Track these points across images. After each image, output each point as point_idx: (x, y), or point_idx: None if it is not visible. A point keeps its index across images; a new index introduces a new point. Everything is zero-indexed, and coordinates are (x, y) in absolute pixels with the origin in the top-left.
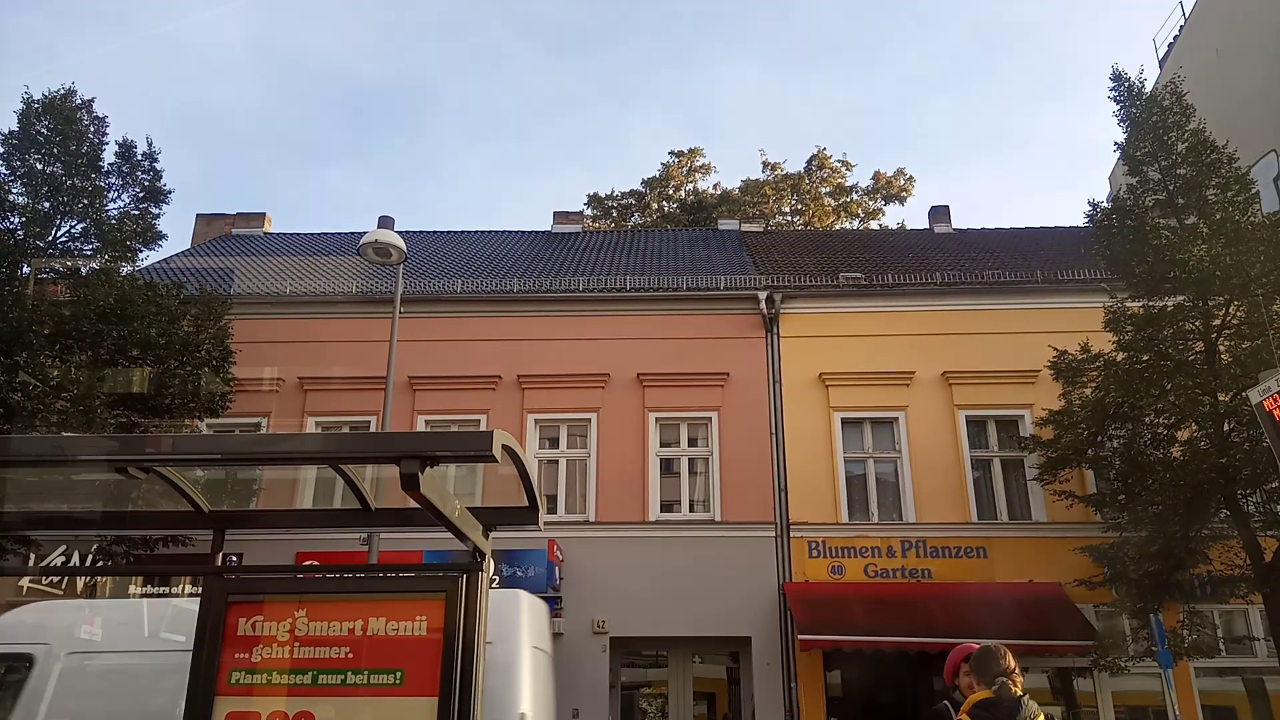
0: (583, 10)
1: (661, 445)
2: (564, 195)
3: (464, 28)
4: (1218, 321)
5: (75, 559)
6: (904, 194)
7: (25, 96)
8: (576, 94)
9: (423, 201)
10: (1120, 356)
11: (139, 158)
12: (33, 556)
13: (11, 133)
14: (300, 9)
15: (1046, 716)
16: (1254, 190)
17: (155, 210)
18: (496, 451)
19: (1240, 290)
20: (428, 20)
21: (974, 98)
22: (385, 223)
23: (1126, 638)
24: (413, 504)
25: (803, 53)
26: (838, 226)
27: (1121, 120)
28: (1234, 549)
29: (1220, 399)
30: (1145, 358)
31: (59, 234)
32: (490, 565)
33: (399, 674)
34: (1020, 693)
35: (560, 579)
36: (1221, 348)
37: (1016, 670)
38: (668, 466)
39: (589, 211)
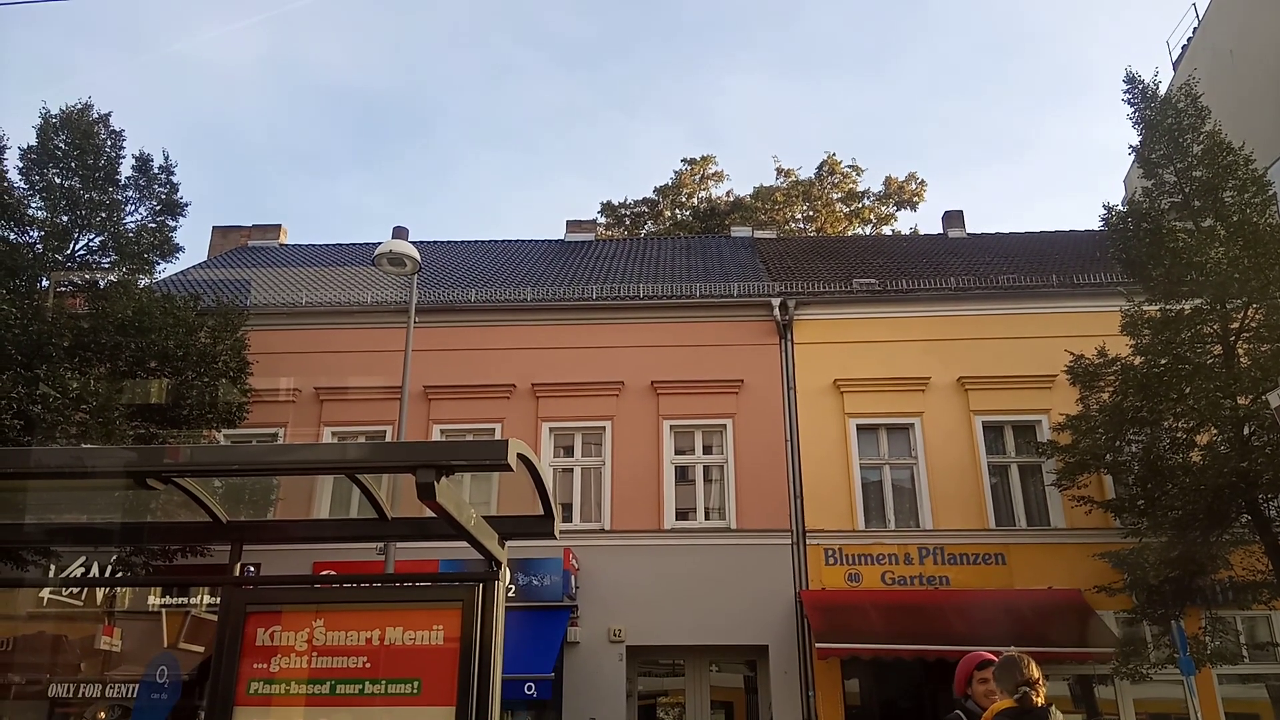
0: (588, 22)
1: (676, 453)
2: (573, 205)
3: (471, 41)
4: (1236, 324)
5: (95, 570)
6: (916, 199)
7: (43, 112)
8: (584, 105)
9: (433, 212)
10: (1138, 360)
11: (156, 171)
12: (53, 568)
13: (30, 147)
14: (310, 25)
15: None
16: (1271, 192)
17: (172, 223)
18: (511, 460)
19: (1259, 293)
20: (435, 34)
21: (985, 104)
22: (400, 233)
23: (1148, 644)
24: (429, 513)
25: (809, 62)
26: (850, 232)
27: (1136, 123)
28: (1255, 554)
29: (1240, 402)
30: (1163, 361)
31: (77, 247)
32: (506, 574)
33: (416, 683)
34: (1043, 703)
35: (576, 587)
36: (1240, 351)
37: (1040, 680)
38: (682, 474)
39: (602, 219)
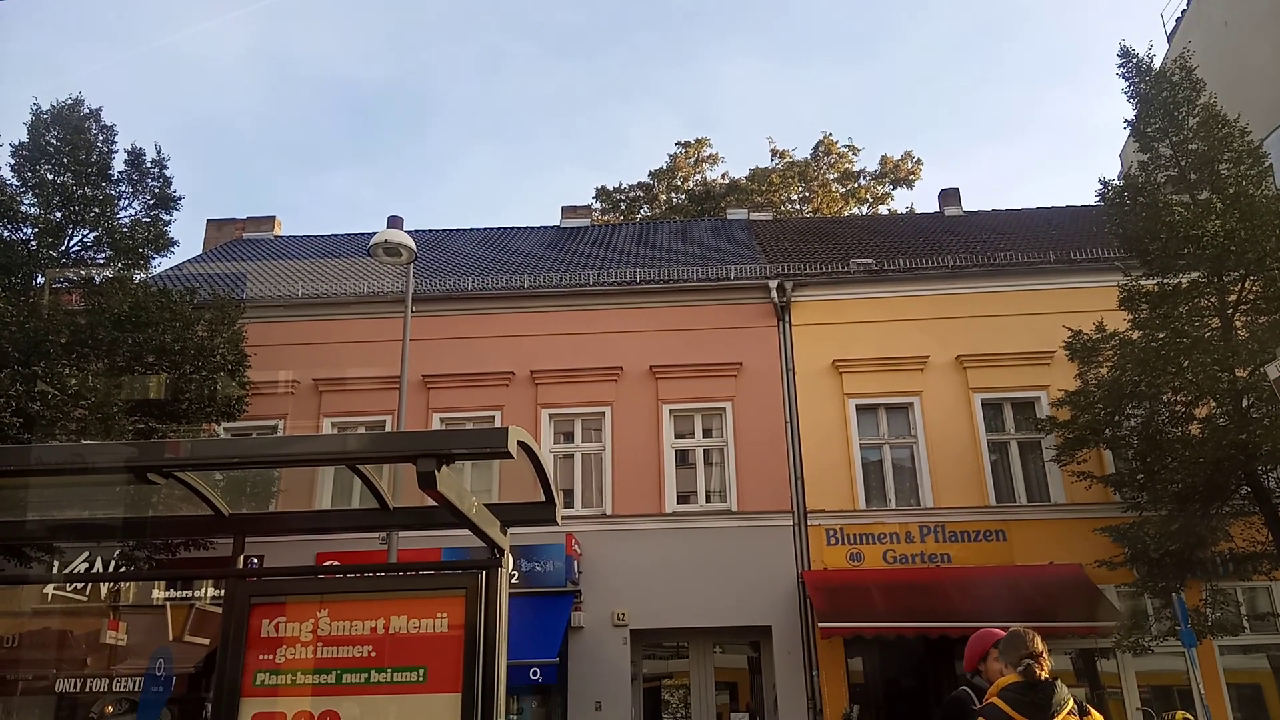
0: (580, 10)
1: (676, 437)
2: (569, 194)
3: (462, 31)
4: (1233, 297)
5: (98, 565)
6: (912, 178)
7: (34, 108)
8: (577, 92)
9: (428, 203)
10: (1136, 335)
11: (148, 165)
12: (56, 563)
13: (21, 144)
14: (300, 16)
15: (1074, 699)
16: (1267, 163)
17: (166, 217)
18: (512, 448)
19: (1256, 264)
20: (426, 24)
21: (980, 82)
22: (395, 222)
23: (1149, 617)
24: (431, 502)
25: (802, 44)
26: (846, 213)
27: (1131, 97)
28: (1255, 525)
29: (1238, 375)
30: (1161, 335)
31: (72, 243)
32: (509, 561)
33: (422, 671)
34: (1047, 675)
35: (579, 573)
36: (1238, 323)
37: (1045, 653)
38: (683, 458)
39: (597, 205)
